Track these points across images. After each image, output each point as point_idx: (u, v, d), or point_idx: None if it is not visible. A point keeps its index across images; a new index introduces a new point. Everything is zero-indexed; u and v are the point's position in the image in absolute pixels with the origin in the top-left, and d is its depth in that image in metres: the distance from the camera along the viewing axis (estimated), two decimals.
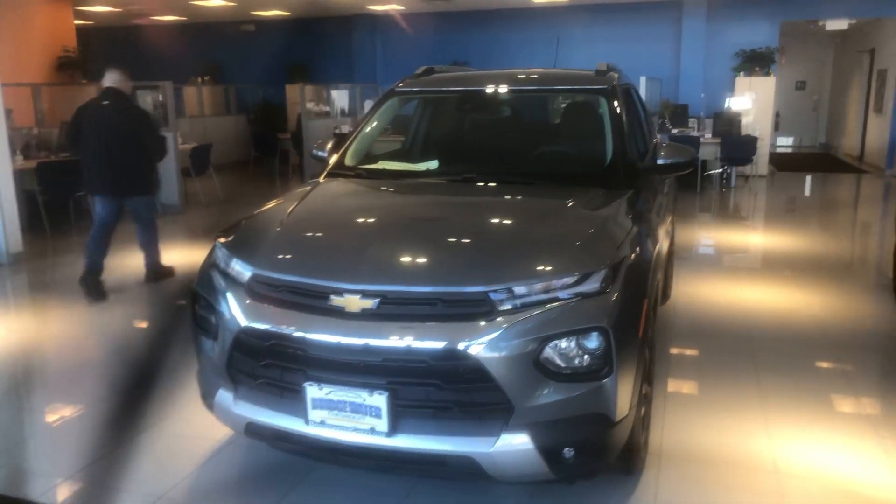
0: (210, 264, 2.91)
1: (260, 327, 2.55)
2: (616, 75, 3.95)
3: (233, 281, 2.74)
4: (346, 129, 13.71)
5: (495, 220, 3.00)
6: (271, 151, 13.68)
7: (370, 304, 2.43)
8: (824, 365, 4.23)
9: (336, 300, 2.47)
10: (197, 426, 3.35)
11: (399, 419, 2.39)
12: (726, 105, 12.51)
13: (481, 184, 3.34)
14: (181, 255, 6.81)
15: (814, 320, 5.03)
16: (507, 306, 2.38)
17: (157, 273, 6.07)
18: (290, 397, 2.54)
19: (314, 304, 2.51)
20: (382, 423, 2.39)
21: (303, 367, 2.49)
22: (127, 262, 6.41)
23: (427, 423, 2.40)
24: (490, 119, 4.06)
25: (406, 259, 2.63)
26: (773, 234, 8.36)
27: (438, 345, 2.34)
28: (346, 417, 2.44)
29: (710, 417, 3.50)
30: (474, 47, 14.61)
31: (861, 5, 12.61)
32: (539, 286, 2.42)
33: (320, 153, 4.05)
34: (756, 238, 8.31)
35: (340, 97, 14.35)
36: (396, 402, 2.38)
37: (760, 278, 6.35)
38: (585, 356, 2.40)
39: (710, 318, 5.03)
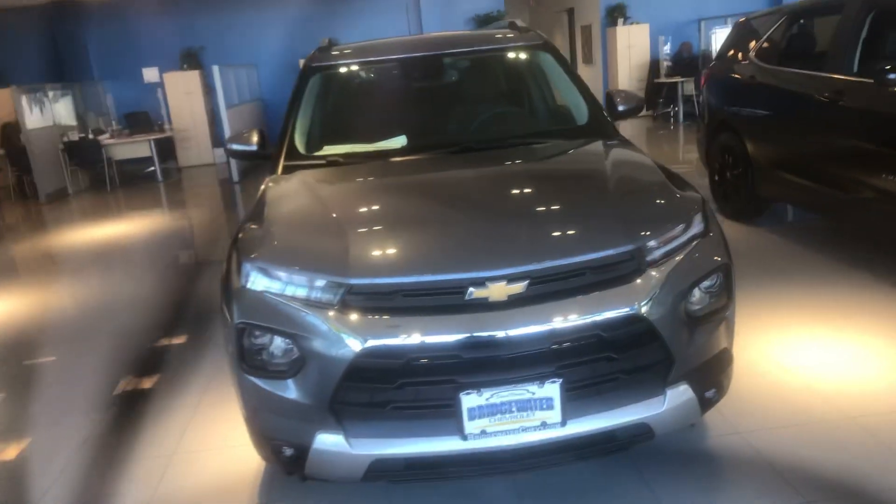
0: (254, 289, 2.35)
1: (390, 344, 2.14)
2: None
3: (309, 301, 2.26)
4: (75, 136, 11.81)
5: (574, 183, 2.83)
6: None
7: (519, 288, 2.18)
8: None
9: (478, 292, 2.17)
10: None
11: (568, 404, 2.20)
12: None
13: (489, 151, 3.15)
14: None
15: None
16: (650, 261, 2.31)
17: None
18: (432, 415, 2.20)
19: (449, 302, 2.19)
20: (555, 414, 2.19)
21: (453, 377, 2.16)
22: None
23: (595, 400, 2.25)
24: (436, 86, 3.81)
25: (539, 233, 2.39)
26: None
27: (612, 313, 2.19)
28: (512, 419, 2.18)
29: None
30: (208, 33, 13.46)
31: None
32: (667, 236, 2.38)
33: (245, 147, 3.48)
34: None
35: (56, 101, 12.22)
36: (567, 387, 2.18)
37: None
38: (713, 294, 2.43)
39: None
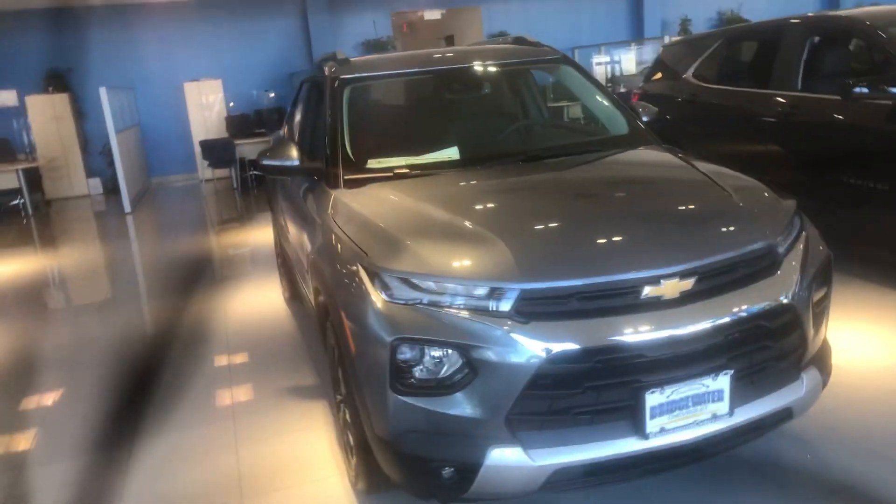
0: (403, 302, 2.21)
1: (578, 348, 2.09)
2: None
3: (474, 309, 2.16)
4: None
5: (688, 186, 2.85)
6: None
7: (689, 284, 2.22)
8: None
9: (652, 290, 2.18)
10: None
11: (734, 395, 2.26)
12: None
13: (561, 159, 3.16)
14: None
15: None
16: (781, 254, 2.44)
17: None
18: (610, 418, 2.17)
19: (624, 302, 2.17)
20: (723, 406, 2.24)
21: (637, 377, 2.14)
22: None
23: (751, 389, 2.32)
24: (472, 97, 3.75)
25: (695, 232, 2.43)
26: None
27: (768, 304, 2.29)
28: (687, 414, 2.20)
29: None
30: (76, 53, 12.35)
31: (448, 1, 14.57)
32: (787, 231, 2.52)
33: (284, 163, 3.25)
34: None
35: None
36: (735, 378, 2.24)
37: None
38: (820, 284, 2.59)
39: None
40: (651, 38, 14.69)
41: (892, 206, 4.31)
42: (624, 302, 2.18)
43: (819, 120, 4.74)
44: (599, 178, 3.03)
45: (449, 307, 2.19)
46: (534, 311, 2.15)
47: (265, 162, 3.28)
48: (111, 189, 12.24)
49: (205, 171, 12.40)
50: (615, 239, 2.37)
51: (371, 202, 2.82)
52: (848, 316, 4.06)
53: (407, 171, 3.07)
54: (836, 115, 4.60)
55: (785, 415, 2.41)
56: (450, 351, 2.15)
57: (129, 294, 6.56)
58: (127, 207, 10.22)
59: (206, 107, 12.79)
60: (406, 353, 2.18)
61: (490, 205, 2.75)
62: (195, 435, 3.45)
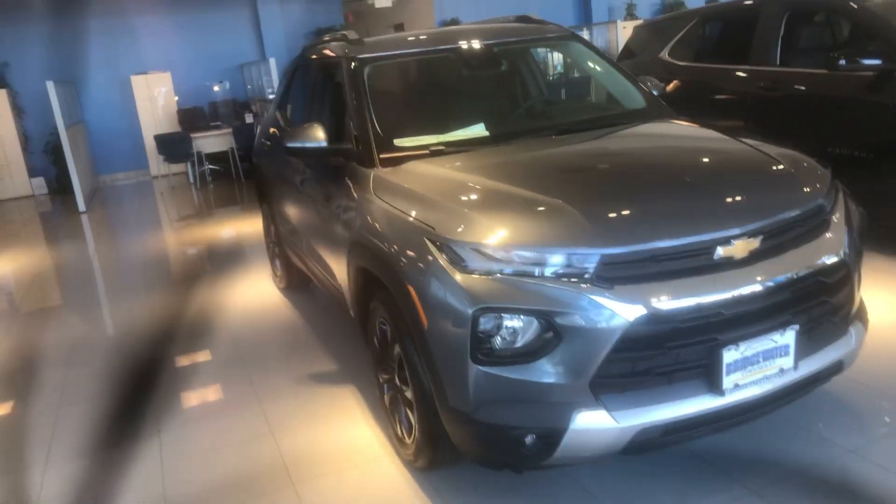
0: (481, 272, 2.21)
1: (662, 310, 2.13)
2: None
3: (554, 276, 2.17)
4: None
5: (733, 153, 2.89)
6: None
7: (756, 243, 2.29)
8: None
9: (724, 250, 2.24)
10: None
11: (798, 349, 2.34)
12: None
13: (592, 132, 3.18)
14: None
15: None
16: (829, 213, 2.54)
17: None
18: (687, 376, 2.23)
19: (698, 263, 2.23)
20: (789, 360, 2.32)
21: (715, 335, 2.20)
22: None
23: (810, 343, 2.40)
24: (491, 75, 3.72)
25: (757, 193, 2.48)
26: None
27: (828, 260, 2.38)
28: (759, 369, 2.27)
29: None
30: (10, 47, 11.74)
31: None
32: (830, 193, 2.63)
33: (310, 144, 3.19)
34: None
35: None
36: (798, 333, 2.32)
37: None
38: (861, 242, 2.71)
39: None
40: (599, 24, 14.92)
41: (873, 173, 4.53)
42: (698, 263, 2.23)
43: (801, 92, 4.93)
44: (645, 147, 3.08)
45: (529, 276, 2.19)
46: (614, 275, 2.17)
47: (289, 144, 3.20)
48: (57, 189, 11.73)
49: (159, 167, 11.99)
50: (684, 202, 2.41)
51: (417, 178, 2.80)
52: None
53: (443, 147, 3.05)
54: (818, 88, 4.79)
55: (837, 367, 2.52)
56: (532, 318, 2.16)
57: (122, 293, 6.25)
58: (82, 206, 9.80)
59: (156, 100, 12.35)
60: (487, 323, 2.18)
61: (544, 174, 2.75)
62: (225, 426, 3.36)
